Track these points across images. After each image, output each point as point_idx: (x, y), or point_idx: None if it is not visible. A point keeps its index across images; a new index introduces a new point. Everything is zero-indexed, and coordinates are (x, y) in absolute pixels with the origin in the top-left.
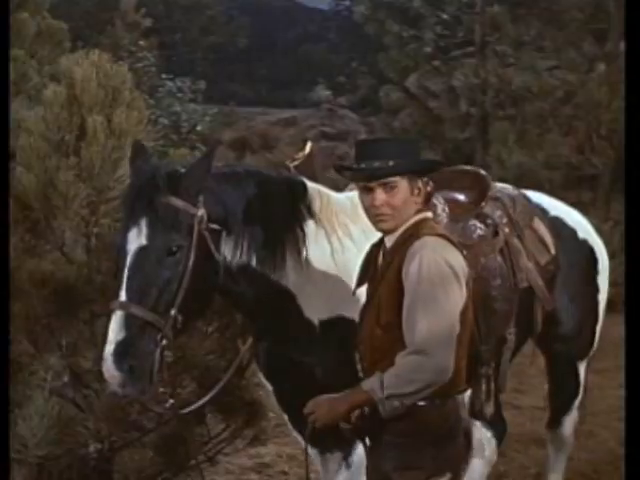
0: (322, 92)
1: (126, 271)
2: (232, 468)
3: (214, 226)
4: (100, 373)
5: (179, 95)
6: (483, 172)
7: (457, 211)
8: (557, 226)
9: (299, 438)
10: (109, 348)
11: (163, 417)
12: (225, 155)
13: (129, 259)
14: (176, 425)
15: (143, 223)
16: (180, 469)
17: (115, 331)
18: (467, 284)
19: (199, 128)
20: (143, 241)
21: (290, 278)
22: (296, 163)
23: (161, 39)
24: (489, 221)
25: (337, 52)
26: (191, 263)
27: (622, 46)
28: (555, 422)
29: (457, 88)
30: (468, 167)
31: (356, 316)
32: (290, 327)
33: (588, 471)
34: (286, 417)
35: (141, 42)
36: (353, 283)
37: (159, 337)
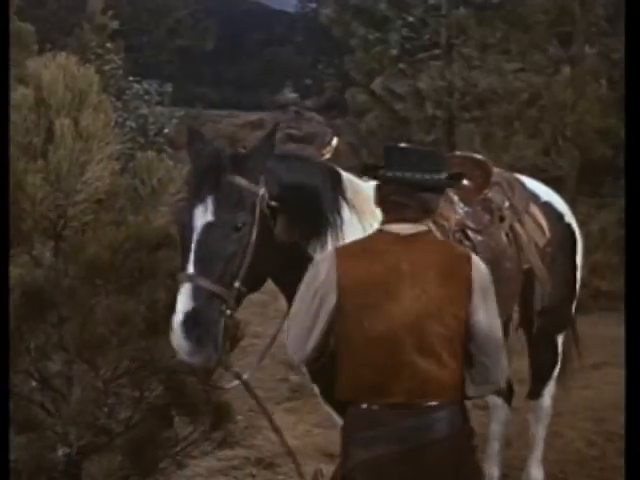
0: (289, 94)
1: (193, 246)
2: (200, 471)
3: (274, 204)
4: (68, 377)
5: (146, 98)
6: (485, 159)
7: (464, 196)
8: (548, 211)
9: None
10: (178, 318)
11: (131, 420)
12: None
13: (196, 234)
14: (144, 428)
15: (209, 201)
16: (148, 473)
17: (183, 302)
18: None
19: (166, 131)
20: (210, 218)
21: None
22: (327, 156)
23: (128, 41)
24: (493, 206)
25: (303, 54)
26: (254, 239)
27: (587, 49)
28: (535, 394)
29: (423, 90)
30: (470, 154)
31: None
32: None
33: (555, 471)
34: (321, 393)
35: (108, 45)
36: None
37: (224, 308)
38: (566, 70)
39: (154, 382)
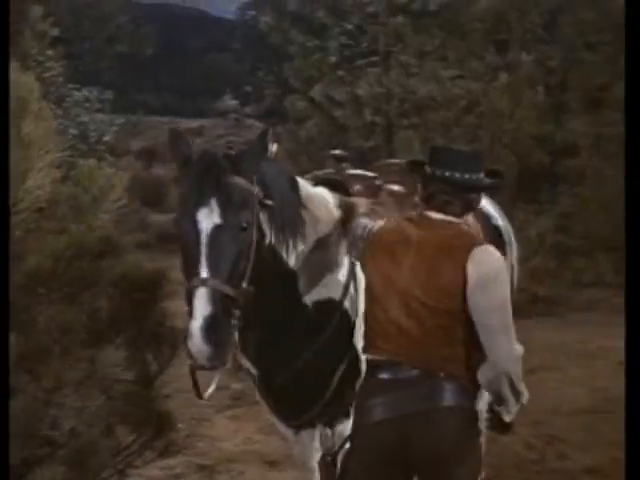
0: (229, 102)
1: (203, 249)
2: None
3: (268, 202)
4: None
5: (86, 105)
6: None
7: (399, 201)
8: (478, 213)
9: (280, 425)
10: (197, 324)
11: (74, 430)
12: (133, 165)
13: (204, 237)
14: (87, 438)
15: (213, 203)
16: None
17: (202, 307)
18: None
19: (107, 138)
20: (217, 220)
21: (293, 261)
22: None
23: (68, 49)
24: None
25: (243, 62)
26: (254, 238)
27: (523, 56)
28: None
29: (362, 97)
30: (403, 160)
31: (340, 297)
32: (287, 310)
33: (492, 475)
34: (268, 403)
35: (49, 52)
36: (335, 267)
37: (234, 309)
38: (503, 77)
39: (96, 392)
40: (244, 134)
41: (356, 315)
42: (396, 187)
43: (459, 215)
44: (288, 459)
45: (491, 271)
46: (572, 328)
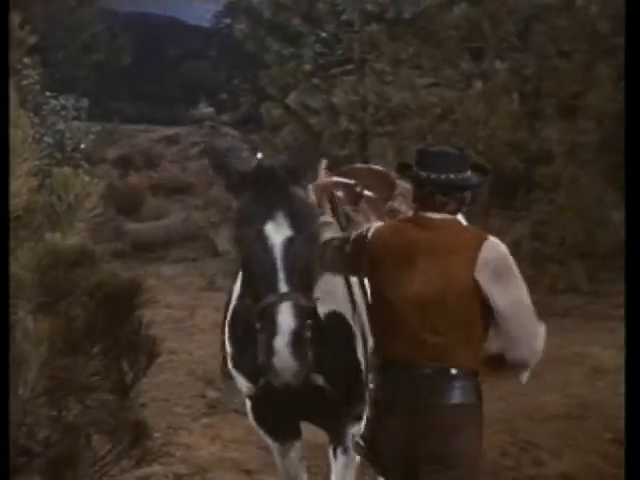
0: (204, 109)
1: (279, 263)
2: None
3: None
4: None
5: (63, 113)
6: (388, 171)
7: (372, 207)
8: None
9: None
10: (284, 340)
11: (50, 439)
12: (109, 173)
13: (278, 251)
14: (62, 448)
15: (281, 216)
16: None
17: (287, 322)
18: None
19: (83, 146)
20: (288, 232)
21: None
22: None
23: (45, 57)
24: (401, 216)
25: (219, 69)
26: (314, 248)
27: (498, 64)
28: None
29: (337, 105)
30: (375, 166)
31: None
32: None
33: None
34: (260, 417)
35: (26, 60)
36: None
37: (308, 321)
38: (478, 85)
39: (72, 401)
40: (220, 142)
41: (358, 328)
42: (370, 193)
43: (454, 213)
44: (265, 467)
45: (504, 259)
46: (548, 334)
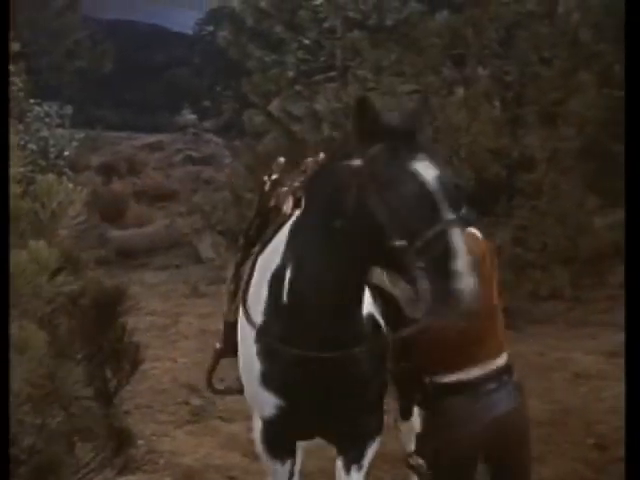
0: (187, 116)
1: (438, 195)
2: None
3: None
4: None
5: (47, 120)
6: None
7: None
8: None
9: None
10: (462, 262)
11: (34, 447)
12: (92, 180)
13: (433, 185)
14: (46, 456)
15: (423, 156)
16: None
17: (461, 245)
18: None
19: (66, 153)
20: (435, 171)
21: None
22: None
23: (29, 64)
24: None
25: (202, 76)
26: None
27: (480, 70)
28: (407, 412)
29: (320, 112)
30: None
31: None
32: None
33: None
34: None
35: (10, 67)
36: None
37: None
38: (460, 92)
39: (56, 408)
40: (203, 149)
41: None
42: None
43: None
44: (249, 475)
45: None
46: (530, 340)
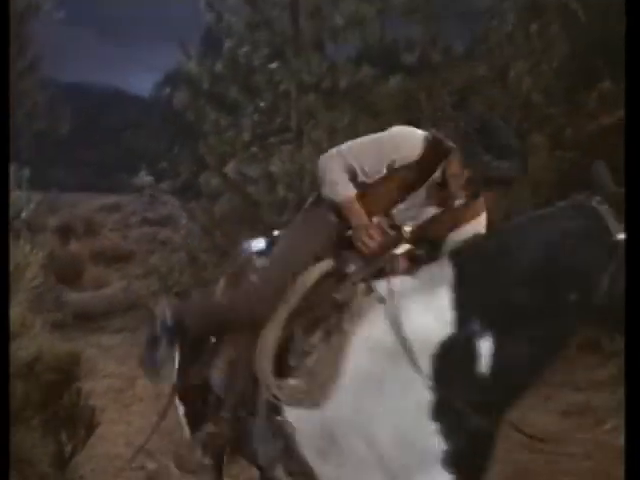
0: (144, 178)
1: None
2: None
3: None
4: None
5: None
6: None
7: None
8: None
9: None
10: None
11: None
12: (50, 241)
13: None
14: None
15: None
16: None
17: None
18: None
19: (24, 215)
20: None
21: None
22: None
23: None
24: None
25: (159, 138)
26: None
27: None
28: None
29: (275, 174)
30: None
31: None
32: None
33: None
34: None
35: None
36: None
37: None
38: None
39: (13, 475)
40: (160, 210)
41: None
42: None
43: None
44: None
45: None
46: None
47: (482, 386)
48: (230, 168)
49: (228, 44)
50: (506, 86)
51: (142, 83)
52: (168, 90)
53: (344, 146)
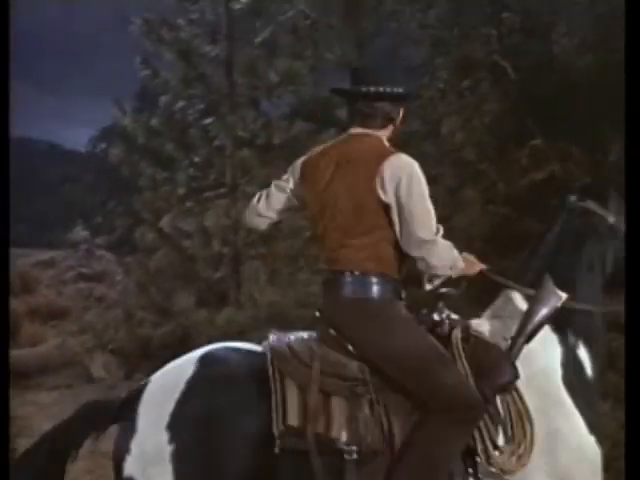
0: (80, 232)
1: None
2: None
3: None
4: None
5: None
6: None
7: None
8: None
9: None
10: None
11: None
12: None
13: None
14: None
15: None
16: None
17: None
18: None
19: None
20: None
21: None
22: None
23: None
24: None
25: (94, 193)
26: None
27: None
28: None
29: (209, 228)
30: None
31: None
32: None
33: None
34: None
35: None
36: None
37: None
38: None
39: None
40: (95, 265)
41: None
42: None
43: (379, 128)
44: None
45: (404, 169)
46: None
47: None
48: (165, 222)
49: (164, 99)
50: (438, 141)
51: (78, 138)
52: (104, 145)
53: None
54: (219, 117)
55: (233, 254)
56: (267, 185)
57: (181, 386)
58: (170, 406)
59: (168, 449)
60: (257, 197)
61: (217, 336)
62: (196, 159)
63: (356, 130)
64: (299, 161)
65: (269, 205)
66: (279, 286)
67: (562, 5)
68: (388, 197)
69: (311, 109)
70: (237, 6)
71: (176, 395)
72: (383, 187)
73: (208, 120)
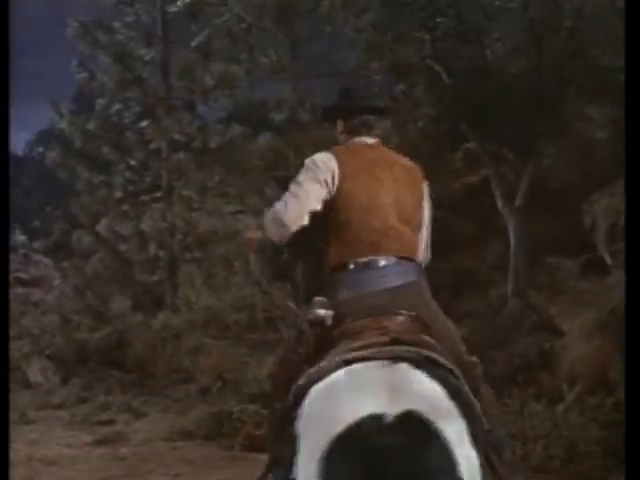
0: (18, 237)
1: None
2: None
3: None
4: None
5: None
6: None
7: None
8: None
9: None
10: None
11: None
12: None
13: None
14: None
15: None
16: None
17: None
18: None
19: None
20: None
21: None
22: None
23: None
24: None
25: (31, 197)
26: None
27: None
28: None
29: (146, 232)
30: None
31: None
32: None
33: None
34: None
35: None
36: None
37: None
38: None
39: None
40: (32, 270)
41: None
42: None
43: (377, 136)
44: None
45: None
46: None
47: None
48: (102, 226)
49: (100, 102)
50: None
51: (15, 141)
52: (41, 149)
53: None
54: (155, 120)
55: (169, 258)
56: (202, 188)
57: None
58: None
59: None
60: (280, 204)
61: (153, 340)
62: (132, 162)
63: (370, 140)
64: (328, 158)
65: (308, 202)
66: (215, 289)
67: (495, 10)
68: (423, 212)
69: (247, 113)
70: (172, 9)
71: None
72: (423, 200)
73: (144, 123)
